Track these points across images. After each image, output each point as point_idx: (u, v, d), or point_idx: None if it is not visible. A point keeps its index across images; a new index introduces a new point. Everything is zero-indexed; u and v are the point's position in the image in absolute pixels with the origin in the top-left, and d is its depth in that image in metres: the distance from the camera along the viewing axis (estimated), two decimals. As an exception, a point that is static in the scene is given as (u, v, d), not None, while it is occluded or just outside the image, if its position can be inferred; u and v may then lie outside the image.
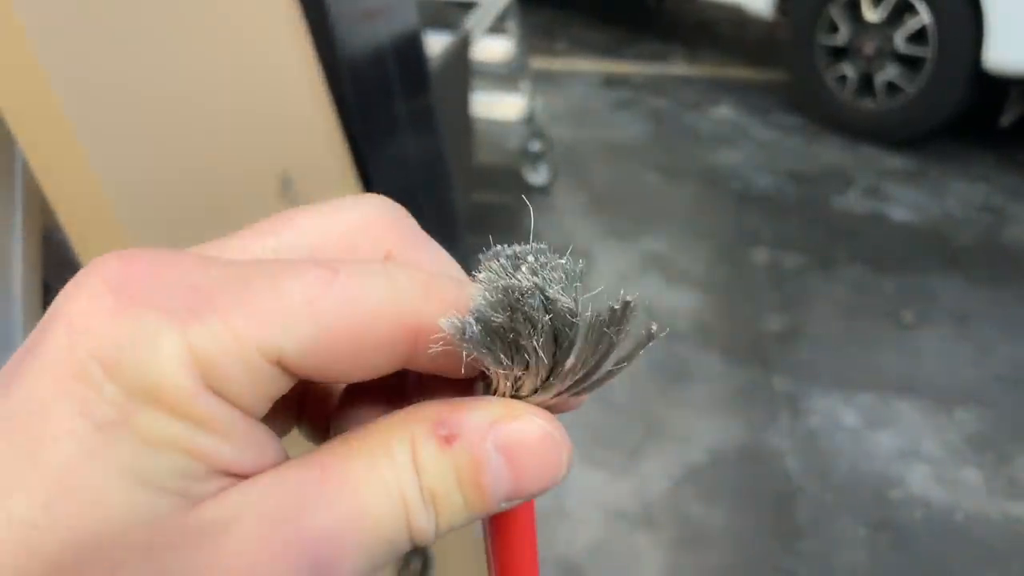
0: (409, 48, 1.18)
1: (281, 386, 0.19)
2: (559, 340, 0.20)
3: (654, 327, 0.20)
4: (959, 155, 2.90)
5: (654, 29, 4.20)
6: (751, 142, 3.02)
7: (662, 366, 1.90)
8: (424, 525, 0.20)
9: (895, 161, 2.86)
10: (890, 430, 1.73)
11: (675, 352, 1.94)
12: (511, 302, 0.19)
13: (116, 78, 0.56)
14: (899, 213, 2.55)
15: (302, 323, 0.18)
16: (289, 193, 0.71)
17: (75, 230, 0.55)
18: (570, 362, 0.20)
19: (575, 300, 0.20)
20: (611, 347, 0.20)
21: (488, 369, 0.20)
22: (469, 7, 2.24)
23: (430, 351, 0.20)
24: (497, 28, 2.33)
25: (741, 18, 4.06)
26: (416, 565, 0.89)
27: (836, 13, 2.94)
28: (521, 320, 0.19)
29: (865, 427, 1.74)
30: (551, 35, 4.04)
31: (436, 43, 1.68)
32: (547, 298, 0.19)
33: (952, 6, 2.65)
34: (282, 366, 0.18)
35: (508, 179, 2.68)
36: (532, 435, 0.20)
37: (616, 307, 0.19)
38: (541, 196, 2.62)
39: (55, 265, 0.63)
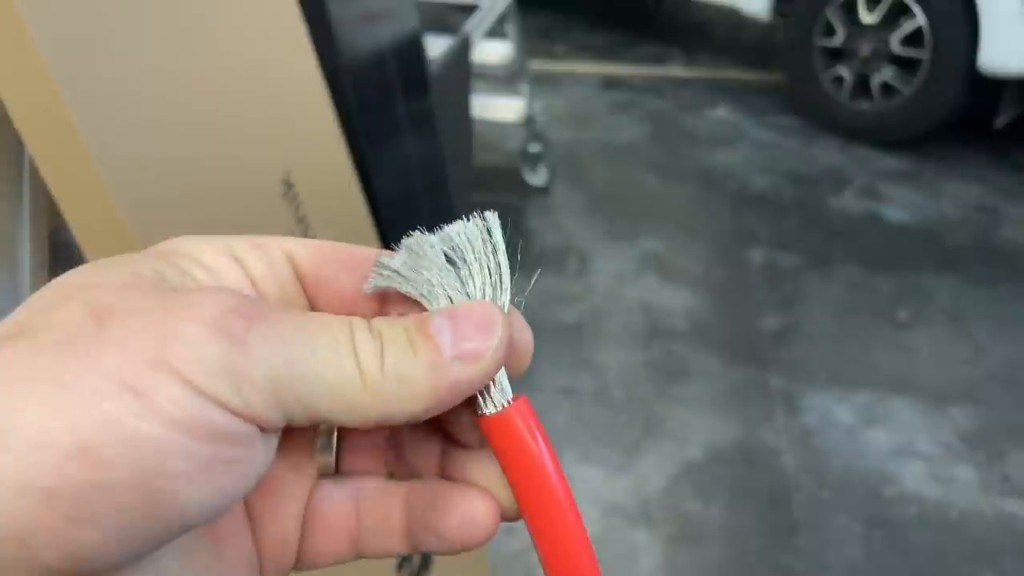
0: (410, 51, 1.19)
1: None
2: (454, 263, 0.25)
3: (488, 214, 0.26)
4: (954, 156, 2.92)
5: (653, 32, 4.22)
6: (748, 143, 3.03)
7: (660, 365, 1.92)
8: (370, 358, 0.22)
9: (891, 162, 2.88)
10: (885, 428, 1.75)
11: (672, 351, 1.96)
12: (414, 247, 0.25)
13: (120, 79, 0.57)
14: (895, 213, 2.57)
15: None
16: (290, 194, 0.73)
17: (80, 230, 0.57)
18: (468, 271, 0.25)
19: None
20: (490, 246, 0.25)
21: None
22: (469, 10, 2.25)
23: (365, 287, 0.25)
24: (497, 31, 2.35)
25: (738, 21, 4.08)
26: (416, 560, 0.90)
27: (832, 15, 2.96)
28: (421, 256, 0.25)
29: (860, 425, 1.75)
30: (551, 38, 4.06)
31: (436, 45, 1.70)
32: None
33: (947, 8, 2.67)
34: None
35: (507, 180, 2.70)
36: (470, 304, 0.24)
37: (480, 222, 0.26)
38: (540, 197, 2.64)
39: (62, 265, 0.65)
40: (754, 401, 1.82)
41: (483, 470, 0.26)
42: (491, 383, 0.25)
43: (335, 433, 0.27)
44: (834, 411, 1.79)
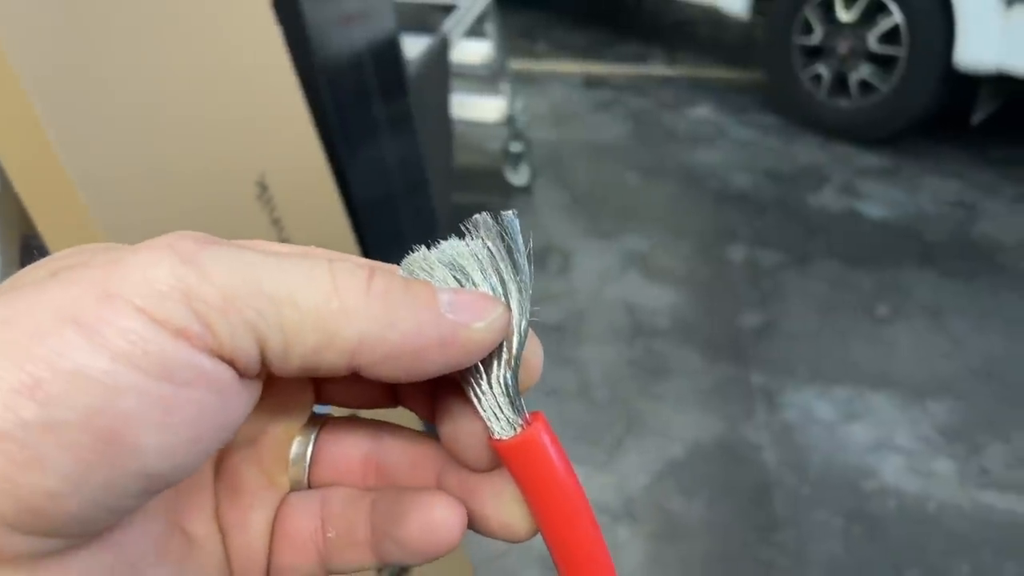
0: (387, 52, 1.19)
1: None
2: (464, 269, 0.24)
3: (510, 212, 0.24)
4: (932, 152, 2.95)
5: (634, 31, 4.24)
6: (729, 141, 3.05)
7: (642, 363, 1.93)
8: (351, 280, 0.20)
9: (870, 159, 2.90)
10: (865, 422, 1.76)
11: (654, 348, 1.97)
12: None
13: (91, 82, 0.57)
14: (874, 210, 2.59)
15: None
16: (265, 196, 0.73)
17: (51, 235, 0.57)
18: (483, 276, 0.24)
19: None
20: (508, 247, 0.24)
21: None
22: (448, 9, 2.25)
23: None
24: (477, 30, 2.35)
25: (719, 19, 4.10)
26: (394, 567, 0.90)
27: (811, 13, 2.98)
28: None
29: (840, 420, 1.77)
30: (532, 37, 4.07)
31: (414, 46, 1.69)
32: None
33: (923, 6, 2.69)
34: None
35: (489, 180, 2.70)
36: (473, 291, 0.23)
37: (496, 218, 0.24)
38: (522, 196, 2.64)
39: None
40: (736, 398, 1.83)
41: (492, 488, 0.25)
42: (501, 405, 0.23)
43: (310, 445, 0.26)
44: (814, 407, 1.80)
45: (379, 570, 0.87)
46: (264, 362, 0.20)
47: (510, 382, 0.23)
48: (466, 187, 2.55)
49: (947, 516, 1.55)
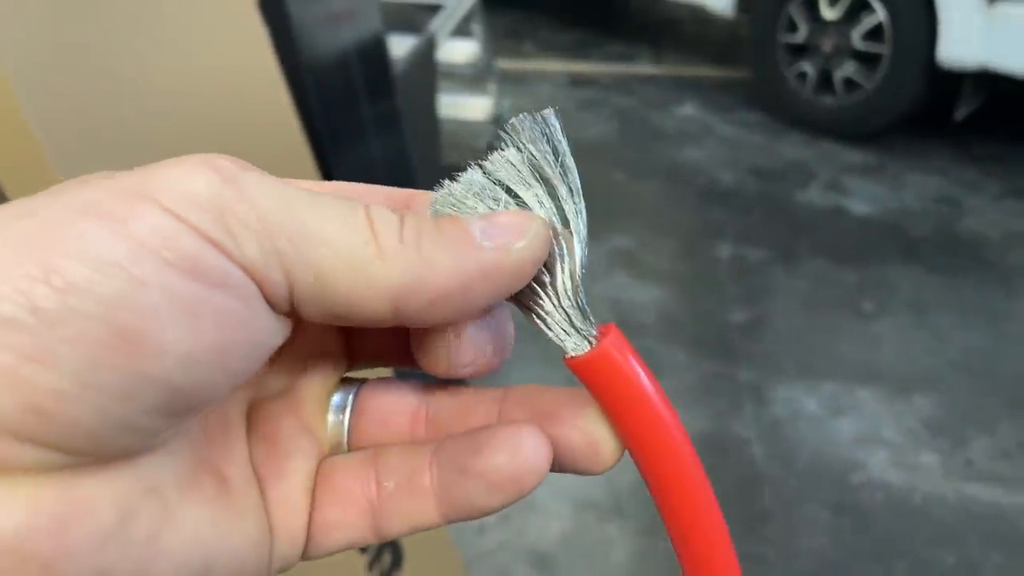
0: (373, 52, 1.19)
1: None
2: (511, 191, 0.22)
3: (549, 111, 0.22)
4: (916, 149, 2.97)
5: (620, 30, 4.25)
6: (715, 139, 3.06)
7: (630, 360, 1.93)
8: (386, 226, 0.20)
9: (855, 156, 2.92)
10: (851, 417, 1.78)
11: (642, 345, 1.97)
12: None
13: (74, 83, 0.57)
14: (859, 206, 2.61)
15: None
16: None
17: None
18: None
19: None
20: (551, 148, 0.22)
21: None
22: (434, 9, 2.26)
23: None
24: (463, 30, 2.35)
25: (705, 18, 4.11)
26: (387, 559, 0.90)
27: (795, 11, 2.99)
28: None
29: (827, 415, 1.78)
30: (518, 36, 4.07)
31: (401, 45, 1.70)
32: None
33: (906, 3, 2.71)
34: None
35: (476, 180, 2.70)
36: (504, 211, 0.22)
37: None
38: (509, 196, 2.64)
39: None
40: (723, 394, 1.84)
41: (571, 408, 0.23)
42: (572, 317, 0.22)
43: (351, 398, 0.25)
44: (801, 402, 1.82)
45: (369, 567, 0.88)
46: (293, 299, 0.19)
47: (580, 290, 0.22)
48: (454, 186, 2.55)
49: (933, 508, 1.57)
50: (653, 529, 1.51)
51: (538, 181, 0.22)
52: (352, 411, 0.25)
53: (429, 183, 0.24)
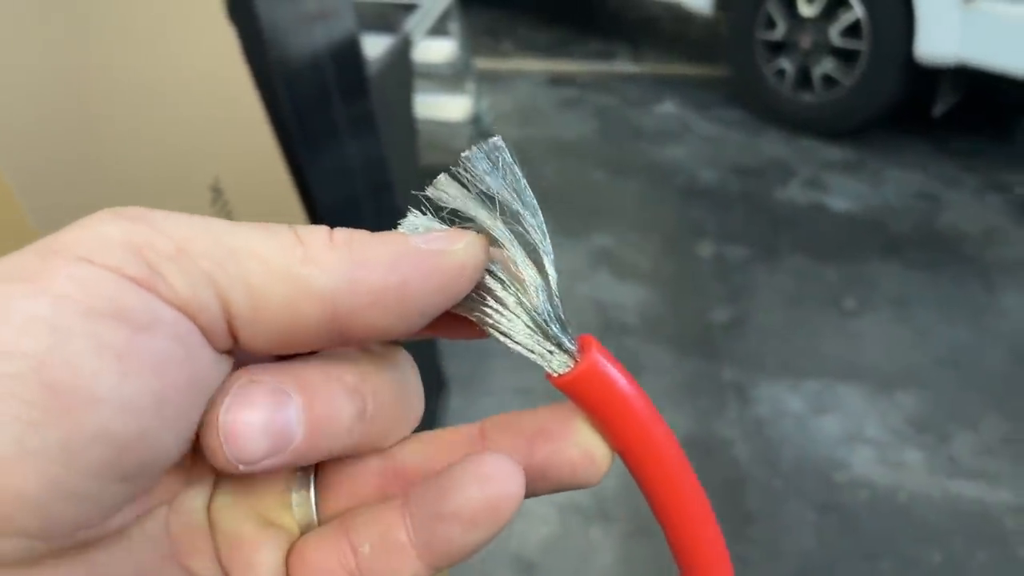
0: (347, 52, 1.17)
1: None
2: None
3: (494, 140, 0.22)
4: (895, 145, 2.98)
5: (599, 29, 4.24)
6: (695, 137, 3.06)
7: (613, 361, 1.92)
8: (313, 233, 0.19)
9: (834, 152, 2.93)
10: (835, 415, 1.77)
11: (625, 345, 1.96)
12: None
13: (36, 85, 0.55)
14: (839, 203, 2.61)
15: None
16: (220, 201, 0.70)
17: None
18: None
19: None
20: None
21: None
22: (410, 8, 2.23)
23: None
24: (440, 29, 2.33)
25: (683, 16, 4.12)
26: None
27: (773, 8, 2.99)
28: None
29: (811, 413, 1.78)
30: (496, 35, 4.05)
31: (376, 45, 1.67)
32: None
33: (884, 0, 2.72)
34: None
35: (456, 180, 2.68)
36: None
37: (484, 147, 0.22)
38: (489, 196, 2.62)
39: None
40: (706, 393, 1.83)
41: (558, 422, 0.23)
42: (552, 336, 0.22)
43: (311, 488, 0.23)
44: (785, 400, 1.81)
45: None
46: (231, 327, 0.18)
47: (559, 308, 0.22)
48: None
49: (918, 506, 1.56)
50: (638, 533, 1.50)
51: (494, 206, 0.22)
52: (315, 486, 0.24)
53: (406, 185, 0.23)
